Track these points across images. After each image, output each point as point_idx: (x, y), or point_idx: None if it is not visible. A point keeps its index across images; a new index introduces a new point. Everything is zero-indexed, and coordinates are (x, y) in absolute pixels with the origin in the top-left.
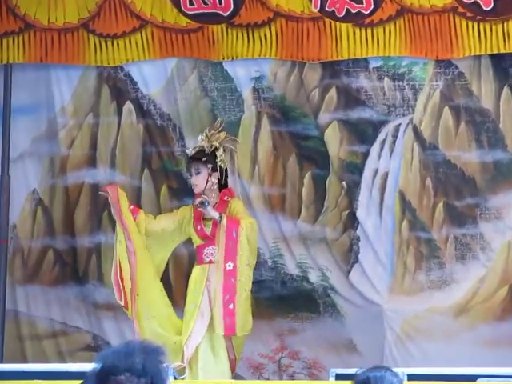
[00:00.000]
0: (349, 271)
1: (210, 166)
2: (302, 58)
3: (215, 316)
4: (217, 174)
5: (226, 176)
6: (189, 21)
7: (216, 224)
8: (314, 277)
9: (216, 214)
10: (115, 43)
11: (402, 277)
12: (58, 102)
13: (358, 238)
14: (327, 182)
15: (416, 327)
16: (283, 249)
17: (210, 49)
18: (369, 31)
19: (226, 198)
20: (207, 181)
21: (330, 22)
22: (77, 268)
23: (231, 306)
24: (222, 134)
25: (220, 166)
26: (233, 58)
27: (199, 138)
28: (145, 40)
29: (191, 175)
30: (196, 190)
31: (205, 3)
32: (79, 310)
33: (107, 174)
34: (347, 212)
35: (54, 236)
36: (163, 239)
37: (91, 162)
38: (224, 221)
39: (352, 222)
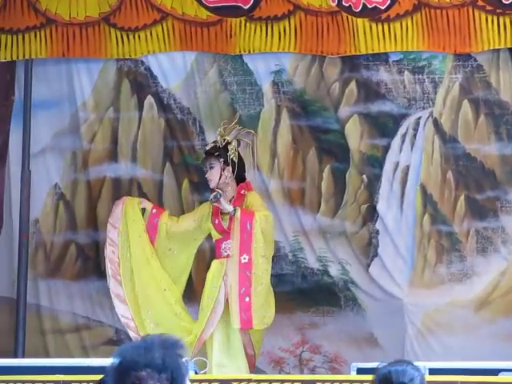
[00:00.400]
0: (368, 265)
1: (222, 160)
2: (322, 52)
3: (232, 310)
4: (230, 168)
5: (242, 170)
6: (209, 13)
7: (232, 218)
8: (334, 270)
9: (230, 208)
10: (136, 36)
11: (423, 270)
12: (79, 96)
13: (378, 232)
14: (347, 176)
15: (437, 321)
16: (303, 242)
17: (228, 42)
18: (386, 26)
19: (242, 192)
20: (221, 175)
21: (347, 17)
22: (99, 262)
23: (247, 300)
24: (235, 128)
25: (232, 160)
26: (250, 52)
27: (217, 132)
28: (165, 32)
29: (206, 170)
30: (211, 185)
31: None
32: (102, 304)
33: (128, 168)
34: (366, 205)
35: (75, 230)
36: (186, 239)
37: (112, 156)
38: (238, 213)
39: (371, 215)
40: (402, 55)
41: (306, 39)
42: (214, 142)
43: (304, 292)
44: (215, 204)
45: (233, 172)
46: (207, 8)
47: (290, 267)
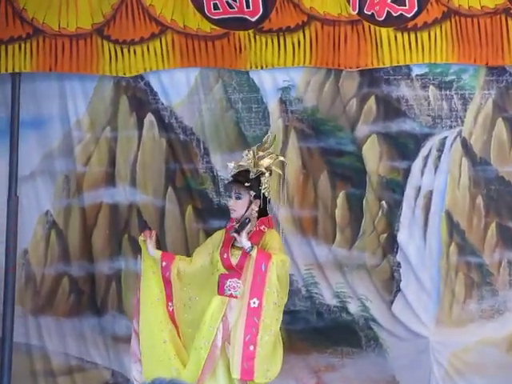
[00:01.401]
0: (391, 301)
1: (252, 193)
2: (339, 66)
3: (233, 357)
4: (258, 202)
5: (267, 203)
6: (213, 26)
7: (245, 256)
8: (353, 307)
9: (247, 244)
10: (132, 50)
11: (450, 306)
12: (72, 114)
13: (399, 264)
14: (364, 202)
15: (466, 361)
16: (318, 276)
17: (237, 57)
18: (412, 36)
19: (262, 228)
20: (247, 208)
21: (370, 26)
22: (94, 297)
23: (251, 348)
24: (272, 159)
25: (263, 194)
26: (262, 67)
27: (245, 154)
28: (164, 47)
29: (230, 197)
30: (233, 215)
31: (231, 7)
32: (97, 343)
33: (127, 193)
34: (385, 235)
35: (69, 262)
36: (205, 275)
37: (110, 179)
38: (254, 253)
39: (391, 246)
40: (427, 68)
41: (322, 52)
42: (244, 167)
43: (320, 331)
44: (233, 235)
45: (259, 206)
46: (211, 20)
47: (303, 303)
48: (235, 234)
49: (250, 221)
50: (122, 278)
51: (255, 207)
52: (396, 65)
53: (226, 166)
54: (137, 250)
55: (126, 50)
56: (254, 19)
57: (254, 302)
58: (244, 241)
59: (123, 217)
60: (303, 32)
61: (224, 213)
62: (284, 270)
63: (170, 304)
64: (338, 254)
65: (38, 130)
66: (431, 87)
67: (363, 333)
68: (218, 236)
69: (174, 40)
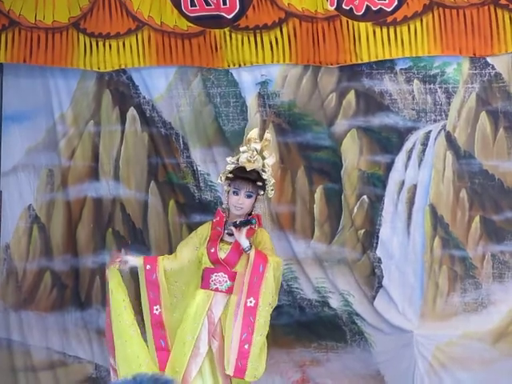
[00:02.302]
0: (373, 297)
1: (261, 192)
2: (320, 63)
3: (228, 354)
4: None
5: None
6: (189, 24)
7: (235, 251)
8: (335, 302)
9: (246, 243)
10: (107, 44)
11: (434, 299)
12: (56, 108)
13: (380, 260)
14: (342, 197)
15: (450, 355)
16: (297, 271)
17: (214, 56)
18: (391, 30)
19: (253, 226)
20: (252, 207)
21: (348, 21)
22: (78, 291)
23: (246, 347)
24: (274, 158)
25: (267, 196)
26: (240, 65)
27: (246, 152)
28: (140, 44)
29: (237, 194)
30: (238, 212)
31: (207, 4)
32: (80, 337)
33: (111, 187)
34: (363, 230)
35: (51, 257)
36: (192, 269)
37: (93, 174)
38: (253, 252)
39: (370, 241)
40: (411, 62)
41: (301, 49)
42: (253, 165)
43: (303, 325)
44: (231, 228)
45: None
46: (188, 18)
47: (285, 297)
48: (233, 228)
49: (255, 222)
50: (106, 272)
51: (256, 205)
52: (375, 60)
53: (205, 161)
54: (121, 243)
55: (101, 44)
56: (230, 16)
57: (251, 302)
58: (243, 239)
59: (107, 211)
60: (281, 29)
61: (205, 207)
62: (279, 272)
63: (155, 308)
64: (318, 249)
65: (21, 124)
66: (415, 81)
67: (347, 327)
68: (205, 230)
69: (150, 37)
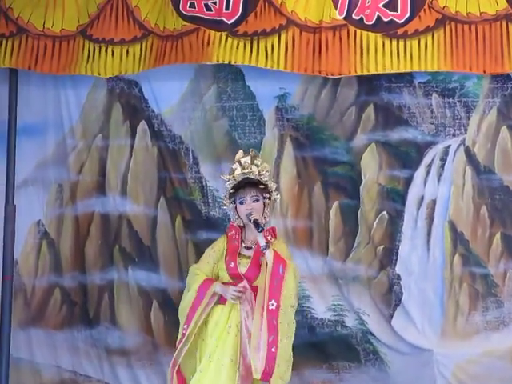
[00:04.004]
0: (391, 315)
1: (266, 195)
2: (320, 72)
3: (255, 357)
4: (268, 207)
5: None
6: (184, 22)
7: (255, 265)
8: (350, 321)
9: (263, 241)
10: (110, 50)
11: (455, 318)
12: (66, 121)
13: (399, 277)
14: (359, 213)
15: (470, 373)
16: (311, 289)
17: (203, 51)
18: (401, 43)
19: (269, 238)
20: (263, 212)
21: (355, 31)
22: (87, 308)
23: (273, 350)
24: (267, 166)
25: (274, 199)
26: (230, 62)
27: (238, 164)
28: (144, 52)
29: (242, 203)
30: (255, 216)
31: (208, 9)
32: (90, 356)
33: (117, 202)
34: (383, 246)
35: (60, 273)
36: None
37: (101, 189)
38: (271, 253)
39: (389, 258)
40: (430, 76)
41: (299, 58)
42: (251, 173)
43: (313, 345)
44: (253, 223)
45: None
46: (184, 17)
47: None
48: (255, 227)
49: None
50: (114, 289)
51: (267, 211)
52: (382, 72)
53: (214, 176)
54: (128, 261)
55: (103, 49)
56: (230, 21)
57: (273, 304)
58: (261, 237)
59: (114, 227)
60: (279, 36)
61: (213, 224)
62: (298, 275)
63: (185, 327)
64: (333, 266)
65: (32, 138)
66: (434, 95)
67: (361, 347)
68: (220, 245)
69: (153, 44)
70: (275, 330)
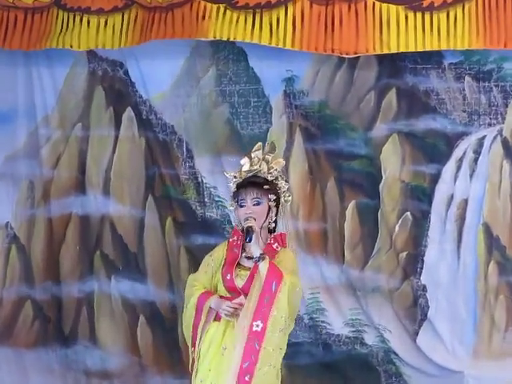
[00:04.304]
0: (416, 332)
1: (272, 197)
2: (333, 51)
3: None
4: (275, 210)
5: (282, 214)
6: None
7: (253, 277)
8: (369, 338)
9: (257, 252)
10: (85, 21)
11: (489, 335)
12: (40, 108)
13: (425, 288)
14: (379, 215)
15: None
16: (326, 302)
17: (198, 26)
18: (427, 16)
19: (275, 246)
20: (266, 216)
21: (374, 4)
22: (62, 324)
23: (247, 378)
24: (282, 161)
25: (285, 201)
26: (228, 39)
27: (248, 159)
28: (126, 24)
29: (242, 205)
30: (250, 224)
31: None
32: (66, 379)
33: (99, 202)
34: (406, 253)
35: (32, 283)
36: None
37: (79, 186)
38: (265, 267)
39: (414, 265)
40: (463, 56)
41: (308, 34)
42: (256, 170)
43: (328, 366)
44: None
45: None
46: None
47: (306, 334)
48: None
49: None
50: (94, 302)
51: (273, 216)
52: (404, 51)
53: (212, 172)
54: (110, 269)
55: (78, 19)
56: None
57: (258, 326)
58: (255, 247)
59: (94, 231)
60: (285, 9)
61: (210, 227)
62: (295, 294)
63: (192, 350)
64: (349, 275)
65: (0, 127)
66: (467, 78)
67: (382, 368)
68: (220, 252)
69: (137, 16)
70: (254, 355)
